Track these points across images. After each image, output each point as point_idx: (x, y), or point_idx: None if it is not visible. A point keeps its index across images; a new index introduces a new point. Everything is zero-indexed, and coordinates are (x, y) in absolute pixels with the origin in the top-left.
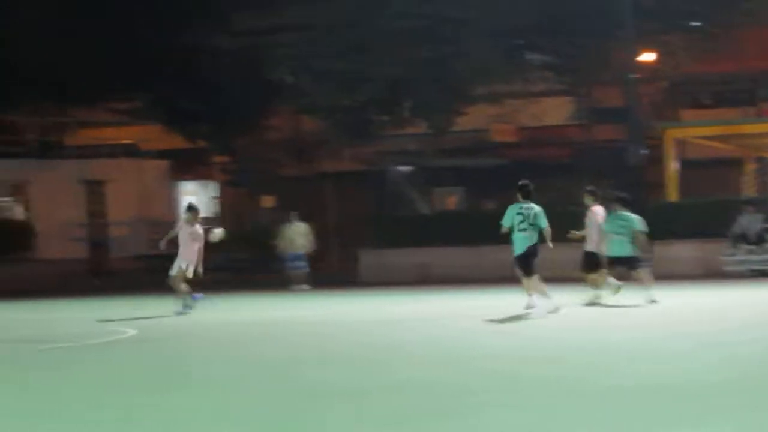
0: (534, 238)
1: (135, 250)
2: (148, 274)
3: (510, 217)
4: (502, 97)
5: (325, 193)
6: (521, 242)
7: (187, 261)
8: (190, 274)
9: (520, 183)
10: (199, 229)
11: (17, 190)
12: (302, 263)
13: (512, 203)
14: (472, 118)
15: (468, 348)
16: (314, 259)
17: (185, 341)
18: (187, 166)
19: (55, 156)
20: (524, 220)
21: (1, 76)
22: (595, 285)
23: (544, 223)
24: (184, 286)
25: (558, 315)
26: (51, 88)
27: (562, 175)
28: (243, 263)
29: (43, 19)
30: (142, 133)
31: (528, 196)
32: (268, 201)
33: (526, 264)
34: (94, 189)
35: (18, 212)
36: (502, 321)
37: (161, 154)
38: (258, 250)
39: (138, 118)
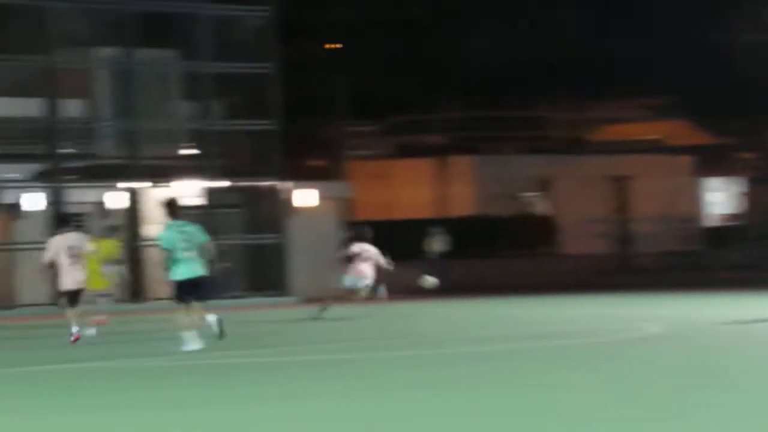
0: None
1: (660, 246)
2: (673, 271)
3: None
4: None
5: None
6: None
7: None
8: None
9: None
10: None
11: (543, 186)
12: None
13: None
14: None
15: None
16: None
17: (710, 338)
18: (713, 163)
19: (581, 152)
20: None
21: (540, 74)
22: None
23: None
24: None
25: None
26: (582, 86)
27: None
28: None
29: (578, 18)
30: (668, 129)
31: None
32: None
33: None
34: (619, 185)
35: (542, 207)
36: None
37: (687, 150)
38: None
39: (665, 115)
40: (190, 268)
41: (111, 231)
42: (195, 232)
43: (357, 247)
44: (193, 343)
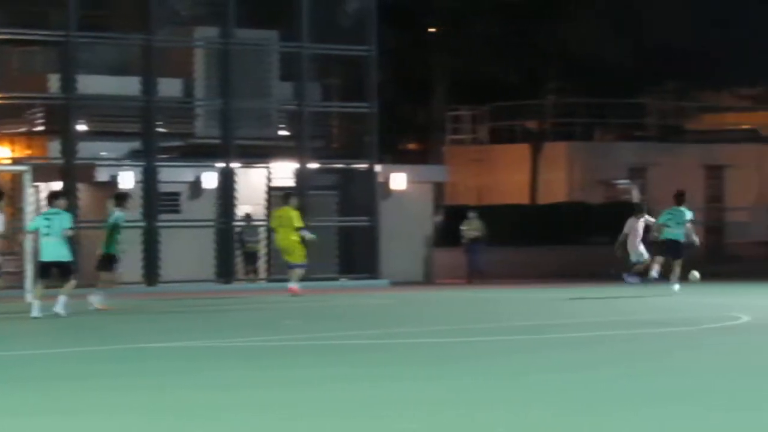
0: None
1: (754, 236)
2: (767, 261)
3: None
4: None
5: None
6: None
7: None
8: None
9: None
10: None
11: (636, 173)
12: None
13: None
14: None
15: None
16: None
17: None
18: None
19: (676, 140)
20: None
21: (639, 60)
22: None
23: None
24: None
25: None
26: (681, 73)
27: None
28: None
29: (680, 4)
30: (765, 118)
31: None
32: None
33: None
34: (713, 174)
35: (635, 195)
36: None
37: None
38: None
39: (762, 104)
40: (51, 251)
41: (287, 198)
42: (60, 220)
43: (641, 222)
44: (36, 311)
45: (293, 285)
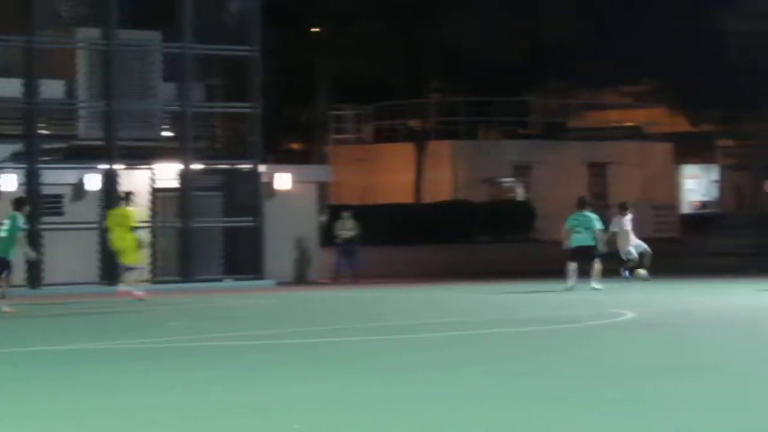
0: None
1: (638, 233)
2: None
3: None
4: None
5: None
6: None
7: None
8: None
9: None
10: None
11: (520, 171)
12: None
13: None
14: None
15: None
16: None
17: (682, 325)
18: (692, 150)
19: (560, 138)
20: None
21: (522, 59)
22: None
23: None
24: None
25: None
26: (564, 71)
27: None
28: (748, 248)
29: (562, 2)
30: (647, 116)
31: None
32: None
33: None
34: (597, 171)
35: (520, 193)
36: None
37: (665, 138)
38: (765, 235)
39: (644, 102)
40: None
41: (125, 198)
42: None
43: (628, 219)
44: None
45: (125, 288)
